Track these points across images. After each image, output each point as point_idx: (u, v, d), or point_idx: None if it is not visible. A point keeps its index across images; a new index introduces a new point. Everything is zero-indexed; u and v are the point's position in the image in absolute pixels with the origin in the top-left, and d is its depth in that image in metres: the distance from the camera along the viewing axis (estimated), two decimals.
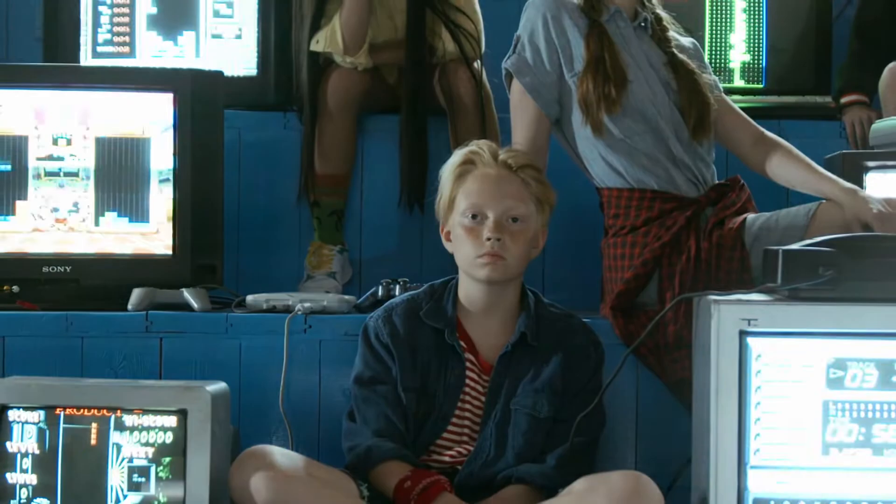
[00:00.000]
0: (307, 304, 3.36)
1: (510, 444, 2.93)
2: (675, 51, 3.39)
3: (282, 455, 2.82)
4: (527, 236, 2.98)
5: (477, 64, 3.94)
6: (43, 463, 2.86)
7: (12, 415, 2.88)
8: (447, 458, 2.96)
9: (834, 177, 3.27)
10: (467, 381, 2.98)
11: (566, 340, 3.01)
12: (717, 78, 3.48)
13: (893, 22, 4.28)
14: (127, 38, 4.13)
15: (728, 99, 3.48)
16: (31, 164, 3.45)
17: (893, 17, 4.27)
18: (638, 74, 3.31)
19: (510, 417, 2.94)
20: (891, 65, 4.07)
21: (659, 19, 3.43)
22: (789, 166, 3.33)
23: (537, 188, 3.01)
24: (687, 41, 3.48)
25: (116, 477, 2.86)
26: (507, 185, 2.97)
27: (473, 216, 2.96)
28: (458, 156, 3.05)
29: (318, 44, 3.90)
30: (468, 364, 2.99)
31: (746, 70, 4.45)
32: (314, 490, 2.75)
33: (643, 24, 3.39)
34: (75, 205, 3.46)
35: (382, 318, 3.03)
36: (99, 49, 4.13)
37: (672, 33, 3.43)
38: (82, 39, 4.12)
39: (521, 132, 3.32)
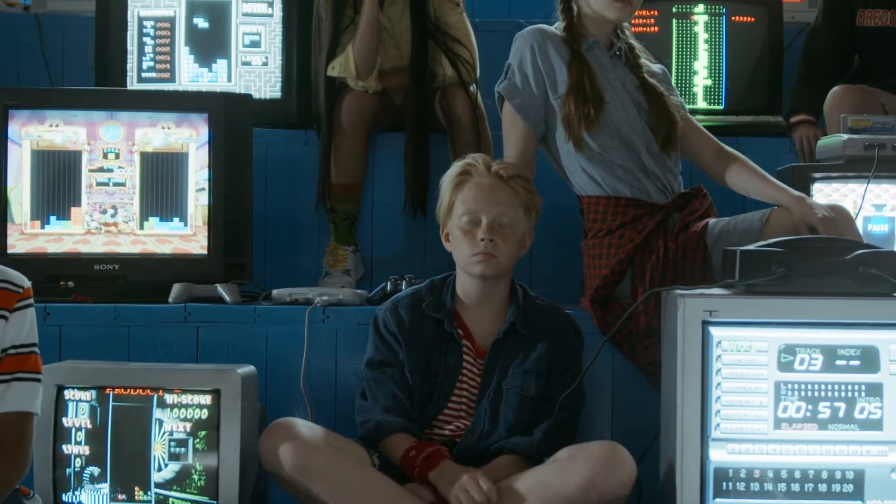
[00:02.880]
0: (325, 298, 3.36)
1: (502, 420, 2.92)
2: (646, 76, 3.38)
3: (304, 426, 2.82)
4: (516, 238, 2.98)
5: (472, 87, 3.93)
6: (94, 436, 2.87)
7: (68, 394, 2.88)
8: (447, 432, 2.96)
9: (784, 185, 3.27)
10: (464, 364, 2.98)
11: (550, 328, 3.01)
12: (682, 100, 3.48)
13: (836, 52, 4.27)
14: (168, 66, 4.12)
15: (692, 118, 3.47)
16: (84, 175, 3.45)
17: (836, 48, 4.27)
18: (614, 97, 3.30)
19: (502, 396, 2.94)
20: (834, 89, 4.07)
21: (631, 48, 3.42)
22: (745, 177, 3.33)
23: (525, 196, 3.00)
24: (656, 67, 3.47)
25: (158, 448, 2.86)
26: (498, 193, 2.97)
27: (469, 220, 2.96)
28: (456, 167, 3.04)
29: (334, 70, 3.90)
30: (465, 349, 2.99)
31: (708, 93, 4.45)
32: (332, 457, 2.76)
33: (618, 53, 3.38)
34: (123, 210, 3.46)
35: (389, 310, 3.03)
36: (143, 75, 4.12)
37: (643, 60, 3.42)
38: (129, 67, 4.11)
39: (512, 147, 3.31)
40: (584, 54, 3.31)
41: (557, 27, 3.37)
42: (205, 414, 2.86)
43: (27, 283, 2.52)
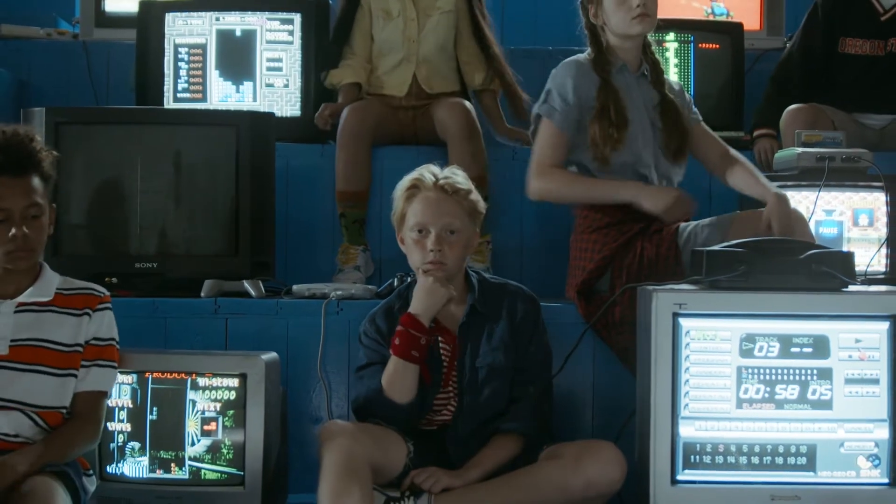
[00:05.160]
0: (339, 292, 3.36)
1: (481, 395, 2.88)
2: (667, 92, 3.34)
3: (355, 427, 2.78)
4: (462, 243, 2.91)
5: (468, 103, 3.92)
6: (135, 414, 2.87)
7: None
8: (443, 416, 2.91)
9: (769, 184, 3.25)
10: (442, 353, 2.91)
11: (507, 302, 2.94)
12: (697, 111, 3.44)
13: (805, 76, 4.23)
14: (200, 87, 4.12)
15: (704, 125, 3.44)
16: (127, 184, 3.44)
17: (806, 73, 4.23)
18: (634, 115, 3.26)
19: (477, 374, 2.89)
20: (789, 107, 4.06)
21: (656, 65, 3.37)
22: (740, 177, 3.32)
23: (468, 205, 2.93)
24: (675, 82, 3.44)
25: (192, 425, 2.86)
26: (444, 206, 2.89)
27: (419, 231, 2.90)
28: (405, 181, 2.97)
29: (324, 78, 3.98)
30: (440, 340, 2.92)
31: None
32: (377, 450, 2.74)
33: (644, 73, 3.34)
34: (161, 215, 3.46)
35: (368, 322, 2.98)
36: (178, 95, 4.13)
37: (666, 76, 3.38)
38: (166, 88, 4.12)
39: (548, 150, 3.26)
40: (612, 80, 3.27)
41: (588, 55, 3.33)
42: (233, 395, 2.86)
43: (107, 293, 2.78)
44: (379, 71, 4.03)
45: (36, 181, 2.60)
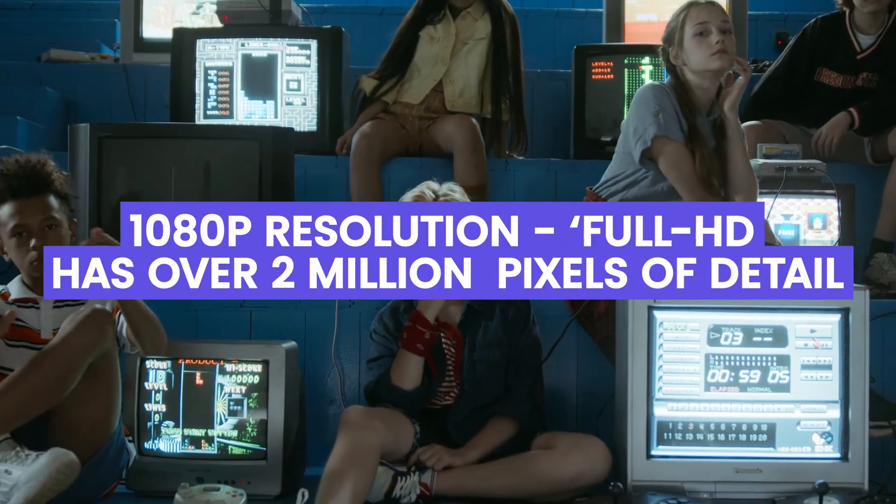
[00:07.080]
0: None
1: (480, 384, 2.89)
2: (725, 143, 3.14)
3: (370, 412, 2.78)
4: None
5: (474, 119, 3.91)
6: (169, 397, 2.88)
7: (149, 364, 2.89)
8: (446, 401, 2.93)
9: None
10: (444, 347, 2.93)
11: (500, 302, 2.94)
12: None
13: (783, 99, 4.11)
14: (228, 105, 4.13)
15: None
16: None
17: (784, 96, 4.11)
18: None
19: (476, 367, 2.91)
20: (743, 124, 4.01)
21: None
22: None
23: None
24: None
25: (220, 406, 2.87)
26: None
27: None
28: (408, 197, 2.95)
29: (360, 82, 3.98)
30: (442, 336, 2.93)
31: None
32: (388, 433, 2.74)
33: (715, 119, 3.15)
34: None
35: (376, 320, 3.00)
36: (208, 112, 4.13)
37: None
38: (197, 106, 4.12)
39: (692, 173, 3.03)
40: (697, 124, 3.09)
41: (669, 83, 3.16)
42: (257, 379, 2.87)
43: None
44: (405, 84, 4.02)
45: (51, 199, 2.75)
